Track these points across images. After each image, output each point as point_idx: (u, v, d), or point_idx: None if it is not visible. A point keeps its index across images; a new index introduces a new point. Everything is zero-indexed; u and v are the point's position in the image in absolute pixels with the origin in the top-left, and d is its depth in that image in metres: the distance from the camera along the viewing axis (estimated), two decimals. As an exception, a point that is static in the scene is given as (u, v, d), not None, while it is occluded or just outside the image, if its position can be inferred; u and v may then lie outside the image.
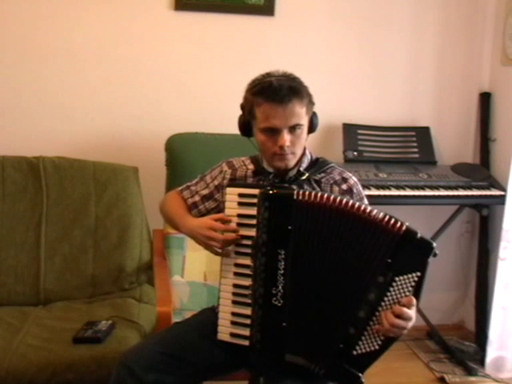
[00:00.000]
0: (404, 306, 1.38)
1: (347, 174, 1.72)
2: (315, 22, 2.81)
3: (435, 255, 1.37)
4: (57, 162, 2.41)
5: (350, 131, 2.82)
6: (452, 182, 2.67)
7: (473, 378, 2.66)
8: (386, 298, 1.39)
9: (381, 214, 1.42)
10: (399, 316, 1.37)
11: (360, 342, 1.42)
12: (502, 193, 2.64)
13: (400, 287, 1.38)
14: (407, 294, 1.38)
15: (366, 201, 1.71)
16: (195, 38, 2.71)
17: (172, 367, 1.58)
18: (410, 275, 1.38)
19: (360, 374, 1.44)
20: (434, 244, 1.37)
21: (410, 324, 1.40)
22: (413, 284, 1.38)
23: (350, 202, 1.46)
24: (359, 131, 2.83)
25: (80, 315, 2.12)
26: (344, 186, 1.68)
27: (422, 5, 2.90)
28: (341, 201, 1.46)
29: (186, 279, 2.37)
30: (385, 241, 1.40)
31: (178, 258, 2.38)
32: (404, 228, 1.38)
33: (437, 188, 2.62)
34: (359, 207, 1.44)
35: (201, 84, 2.73)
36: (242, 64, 2.72)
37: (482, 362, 2.74)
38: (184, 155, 2.47)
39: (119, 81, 2.67)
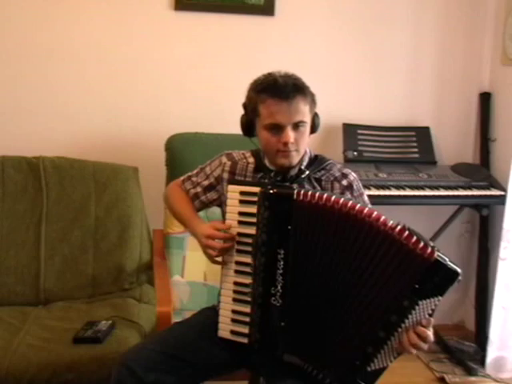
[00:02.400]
0: (425, 327, 1.37)
1: (347, 170, 1.72)
2: (315, 22, 2.81)
3: (459, 281, 1.35)
4: (57, 162, 2.41)
5: (350, 131, 2.82)
6: (452, 182, 2.67)
7: (473, 378, 2.66)
8: (406, 320, 1.37)
9: (406, 232, 1.35)
10: (423, 338, 1.36)
11: (375, 360, 1.41)
12: (502, 193, 2.64)
13: (421, 310, 1.37)
14: (426, 316, 1.37)
15: (365, 197, 1.71)
16: (195, 37, 2.71)
17: (172, 367, 1.57)
18: (432, 299, 1.36)
19: None
20: (460, 270, 1.34)
21: (426, 346, 1.39)
22: (433, 307, 1.37)
23: (366, 210, 1.41)
24: (359, 131, 2.83)
25: (80, 315, 2.12)
26: (344, 182, 1.68)
27: (422, 5, 2.90)
28: (344, 204, 1.43)
29: (186, 279, 2.37)
30: (413, 265, 1.35)
31: (178, 258, 2.38)
32: (435, 255, 1.33)
33: (437, 188, 2.61)
34: (377, 217, 1.39)
35: (201, 84, 2.73)
36: (242, 64, 2.72)
37: (482, 362, 2.74)
38: (184, 155, 2.47)
39: (119, 81, 2.67)
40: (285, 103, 1.55)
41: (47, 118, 2.64)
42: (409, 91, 2.96)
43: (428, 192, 2.58)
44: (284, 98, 1.55)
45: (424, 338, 1.36)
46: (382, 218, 1.39)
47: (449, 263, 1.34)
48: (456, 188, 2.64)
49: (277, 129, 1.57)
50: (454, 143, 3.03)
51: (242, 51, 2.75)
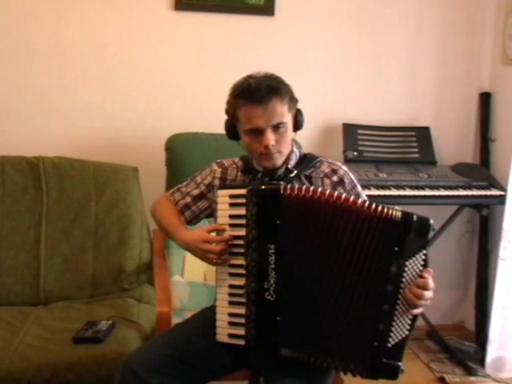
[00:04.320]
0: (424, 277, 1.42)
1: (336, 165, 1.73)
2: (315, 22, 2.81)
3: (434, 229, 1.43)
4: (57, 162, 2.41)
5: (350, 131, 2.82)
6: (452, 182, 2.67)
7: (473, 378, 2.66)
8: (402, 285, 1.42)
9: (373, 205, 1.44)
10: (424, 287, 1.41)
11: (391, 334, 1.44)
12: (502, 193, 2.64)
13: (412, 269, 1.42)
14: (419, 272, 1.42)
15: (359, 187, 1.72)
16: (195, 37, 2.71)
17: (177, 370, 1.57)
18: (417, 255, 1.42)
19: (399, 363, 1.46)
20: (431, 220, 1.42)
21: (432, 293, 1.45)
22: (422, 262, 1.42)
23: (343, 196, 1.47)
24: (359, 131, 2.83)
25: (80, 315, 2.12)
26: (335, 178, 1.69)
27: (422, 5, 2.90)
28: (330, 195, 1.47)
29: (185, 279, 2.37)
30: (386, 231, 1.42)
31: (178, 258, 2.39)
32: (400, 214, 1.42)
33: (437, 188, 2.61)
34: (353, 200, 1.46)
35: (201, 84, 2.73)
36: (241, 64, 2.72)
37: (482, 362, 2.74)
38: (184, 155, 2.47)
39: (119, 81, 2.67)
40: (260, 107, 1.55)
41: (47, 118, 2.64)
42: (409, 91, 2.96)
43: (428, 192, 2.58)
44: (259, 103, 1.55)
45: (425, 287, 1.41)
46: (351, 198, 1.47)
47: (416, 216, 1.41)
48: (456, 188, 2.64)
49: (256, 133, 1.59)
50: (454, 143, 3.03)
51: (242, 51, 2.75)
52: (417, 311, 1.44)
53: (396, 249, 1.41)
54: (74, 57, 2.62)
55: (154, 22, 2.67)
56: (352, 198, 1.47)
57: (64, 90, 2.63)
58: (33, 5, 2.56)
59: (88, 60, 2.63)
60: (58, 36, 2.60)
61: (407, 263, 1.41)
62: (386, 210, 1.42)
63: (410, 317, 1.44)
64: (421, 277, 1.42)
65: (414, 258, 1.42)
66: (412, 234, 1.41)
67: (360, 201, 1.46)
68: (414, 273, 1.42)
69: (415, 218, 1.41)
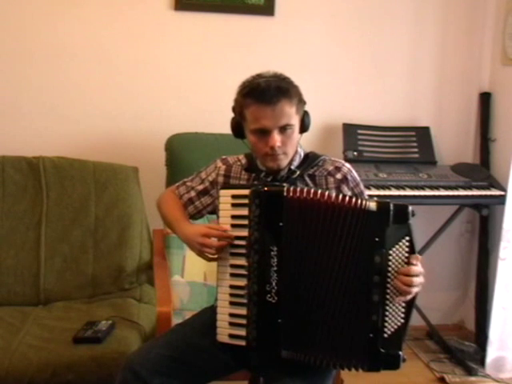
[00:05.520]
0: (411, 264, 1.42)
1: (339, 163, 1.73)
2: (315, 22, 2.81)
3: (413, 215, 1.42)
4: (57, 162, 2.41)
5: (350, 131, 2.82)
6: (452, 182, 2.67)
7: (473, 378, 2.66)
8: (389, 274, 1.43)
9: (347, 198, 1.46)
10: (409, 274, 1.41)
11: (386, 324, 1.44)
12: (502, 193, 2.64)
13: (397, 257, 1.43)
14: (405, 259, 1.42)
15: (361, 186, 1.72)
16: (195, 37, 2.71)
17: (178, 371, 1.58)
18: (400, 243, 1.42)
19: (400, 352, 1.46)
20: (410, 207, 1.42)
21: (422, 278, 1.44)
22: (406, 249, 1.42)
23: (339, 196, 1.48)
24: (359, 131, 2.83)
25: (80, 315, 2.12)
26: (338, 176, 1.69)
27: (422, 5, 2.90)
28: (329, 196, 1.48)
29: (186, 279, 2.37)
30: (365, 223, 1.43)
31: (178, 258, 2.39)
32: (375, 204, 1.42)
33: (437, 188, 2.61)
34: (328, 195, 1.47)
35: (201, 84, 2.73)
36: (242, 64, 2.72)
37: (482, 362, 2.74)
38: (184, 155, 2.47)
39: (119, 81, 2.67)
40: (269, 108, 1.54)
41: (47, 118, 2.64)
42: (409, 91, 2.96)
43: (428, 192, 2.58)
44: (267, 103, 1.54)
45: (408, 273, 1.41)
46: (326, 193, 1.48)
47: (392, 205, 1.41)
48: (456, 188, 2.64)
49: (263, 133, 1.58)
50: (454, 143, 3.03)
51: (242, 51, 2.75)
52: (407, 297, 1.44)
53: (377, 239, 1.42)
54: (74, 57, 2.62)
55: (154, 22, 2.67)
56: (327, 193, 1.48)
57: (64, 90, 2.64)
58: (33, 5, 2.56)
59: (88, 60, 2.63)
60: (57, 36, 2.60)
61: (391, 252, 1.42)
62: (360, 202, 1.44)
63: (403, 305, 1.45)
64: (408, 264, 1.43)
65: (397, 246, 1.42)
66: (391, 222, 1.41)
67: (334, 194, 1.48)
68: (399, 260, 1.43)
69: (391, 206, 1.42)
